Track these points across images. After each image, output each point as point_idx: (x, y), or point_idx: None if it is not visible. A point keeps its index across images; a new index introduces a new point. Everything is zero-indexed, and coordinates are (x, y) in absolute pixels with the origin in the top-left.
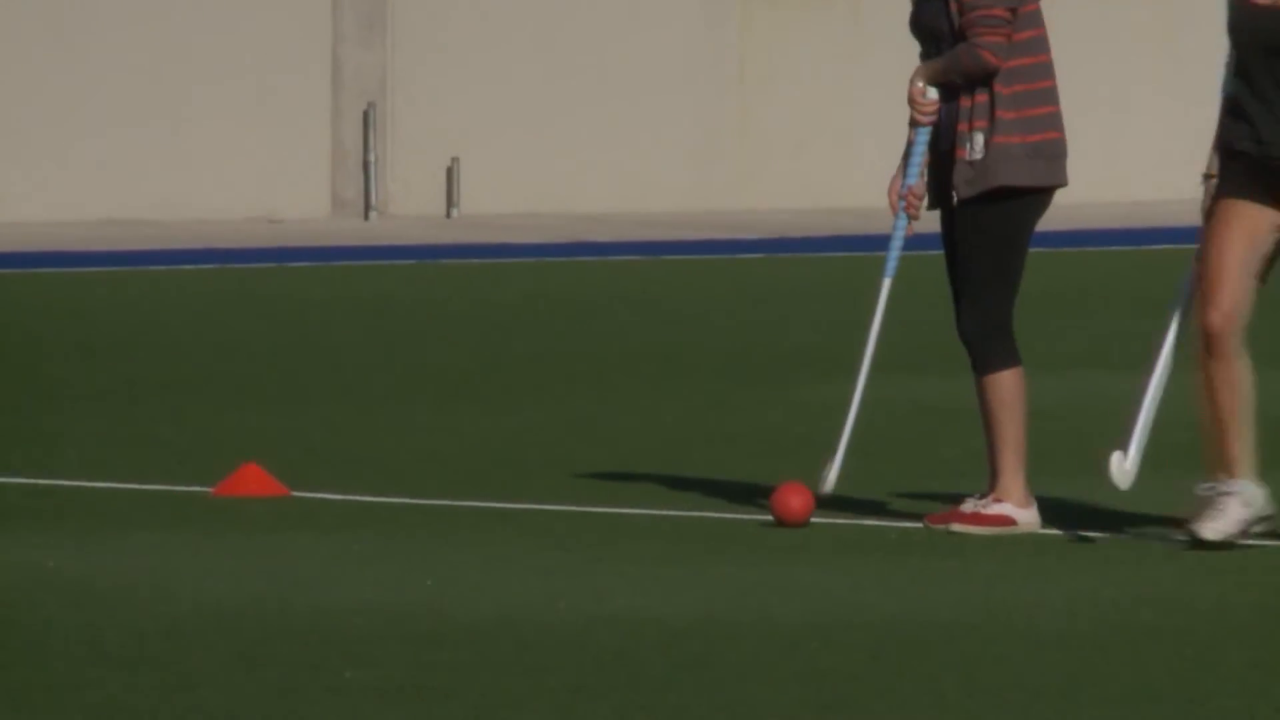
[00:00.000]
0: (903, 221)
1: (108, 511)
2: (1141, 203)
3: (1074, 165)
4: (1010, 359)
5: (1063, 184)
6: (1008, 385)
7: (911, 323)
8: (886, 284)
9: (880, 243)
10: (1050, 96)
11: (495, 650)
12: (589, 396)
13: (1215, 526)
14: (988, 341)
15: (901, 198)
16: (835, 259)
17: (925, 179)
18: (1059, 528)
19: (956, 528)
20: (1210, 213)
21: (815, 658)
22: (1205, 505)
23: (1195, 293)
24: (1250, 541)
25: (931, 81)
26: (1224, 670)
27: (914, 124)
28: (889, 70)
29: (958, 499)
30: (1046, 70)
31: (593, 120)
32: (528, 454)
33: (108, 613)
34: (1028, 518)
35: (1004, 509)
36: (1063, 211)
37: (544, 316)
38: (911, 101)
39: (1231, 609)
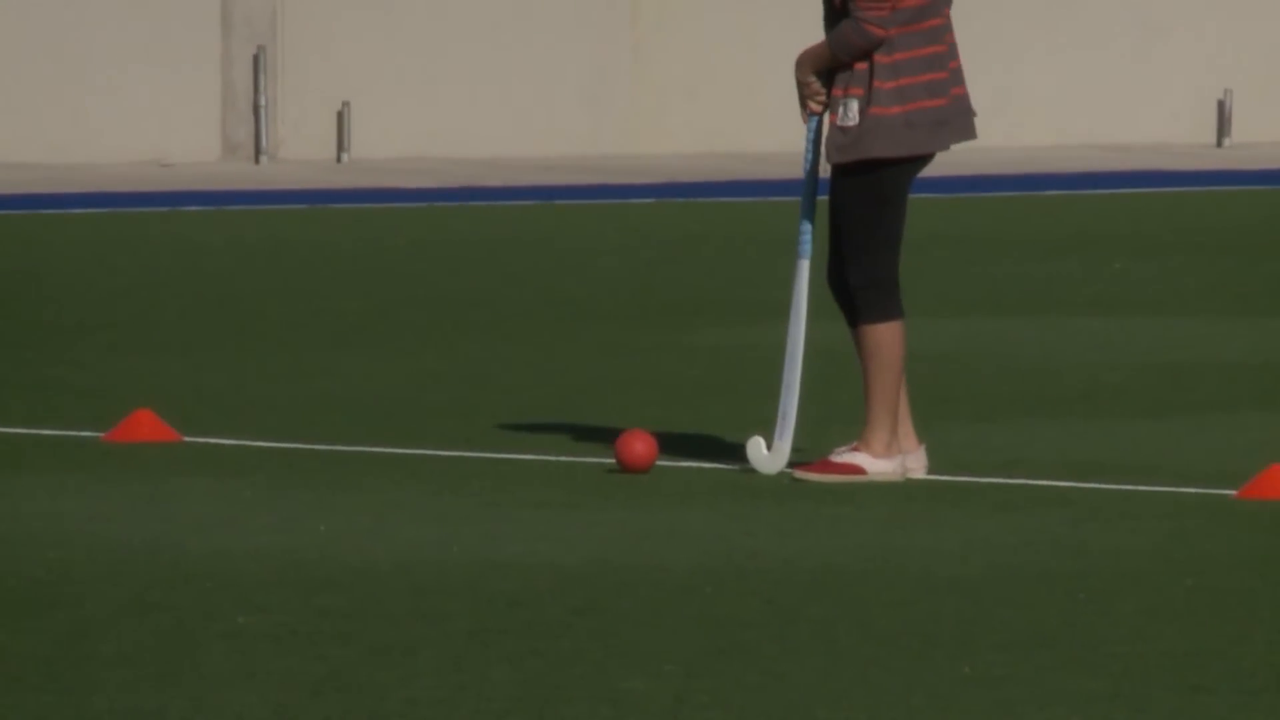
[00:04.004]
0: (807, 205)
1: None
2: (1034, 147)
3: None
4: (885, 313)
5: (941, 149)
6: (884, 337)
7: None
8: (804, 265)
9: (776, 188)
10: (936, 63)
11: (389, 595)
12: (482, 341)
13: None
14: (870, 292)
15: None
16: (730, 204)
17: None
18: (953, 473)
19: (799, 474)
20: None
21: (709, 603)
22: None
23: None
24: (1147, 488)
25: (818, 68)
26: (1116, 616)
27: (809, 112)
28: (787, 12)
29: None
30: (934, 35)
31: (484, 63)
32: (421, 399)
33: None
34: (881, 467)
35: (855, 458)
36: (956, 156)
37: (436, 261)
38: (810, 95)
39: (1125, 555)
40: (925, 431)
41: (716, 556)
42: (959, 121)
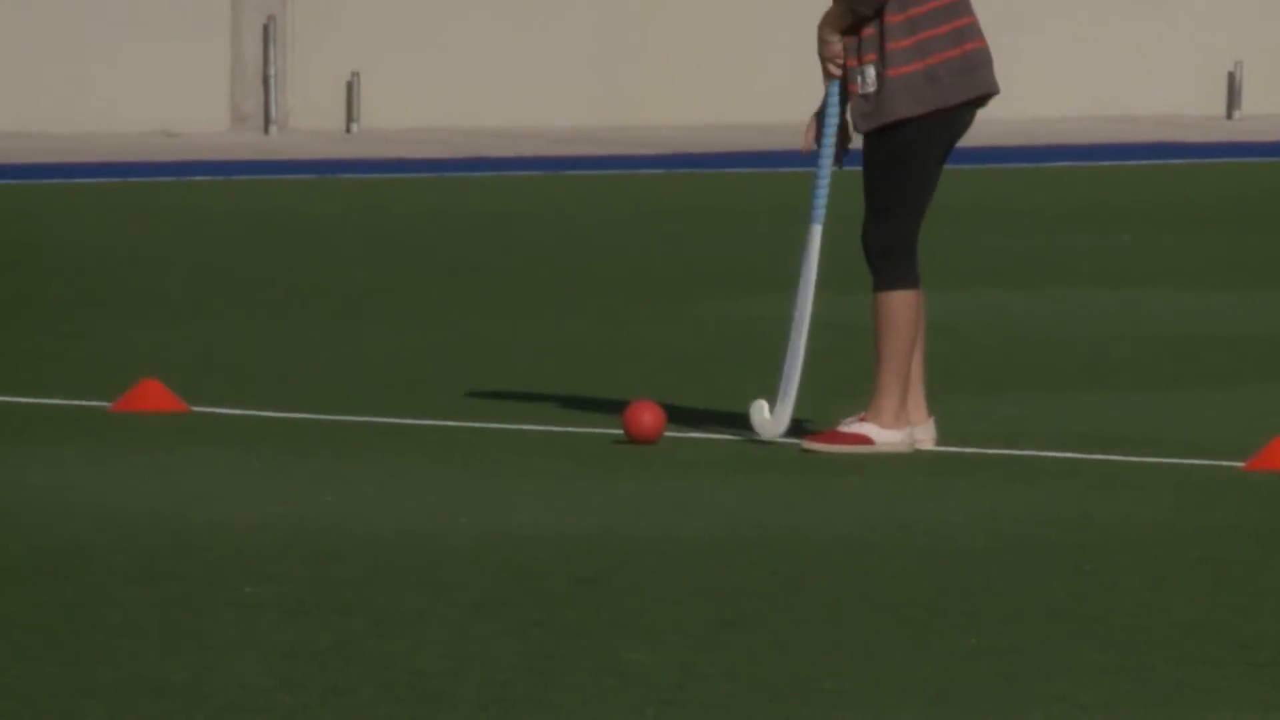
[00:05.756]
0: (824, 170)
1: (4, 426)
2: (1042, 119)
3: None
4: (904, 281)
5: (980, 93)
6: (897, 306)
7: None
8: (817, 230)
9: (782, 159)
10: (952, 12)
11: (394, 566)
12: (489, 312)
13: None
14: (884, 258)
15: (812, 150)
16: (737, 175)
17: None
18: (959, 445)
19: (807, 445)
20: None
21: (714, 574)
22: None
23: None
24: (1153, 459)
25: (837, 28)
26: (1122, 588)
27: (828, 76)
28: None
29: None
30: None
31: (493, 34)
32: (427, 370)
33: (4, 528)
34: (889, 438)
35: (864, 428)
36: None
37: (444, 232)
38: (829, 57)
39: (1131, 527)
40: (932, 403)
41: (722, 527)
42: (981, 72)
